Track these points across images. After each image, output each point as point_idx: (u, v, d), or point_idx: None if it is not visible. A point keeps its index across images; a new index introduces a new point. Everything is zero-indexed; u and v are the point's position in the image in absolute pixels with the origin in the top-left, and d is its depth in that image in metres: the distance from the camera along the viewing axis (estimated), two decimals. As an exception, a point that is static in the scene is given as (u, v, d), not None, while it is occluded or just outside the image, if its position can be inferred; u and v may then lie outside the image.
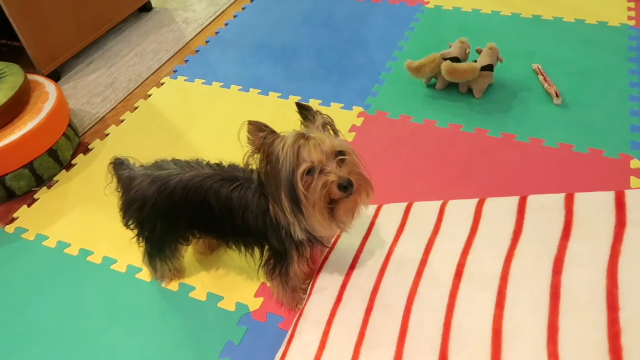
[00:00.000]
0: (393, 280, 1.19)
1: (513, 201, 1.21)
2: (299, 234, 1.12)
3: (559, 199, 1.14)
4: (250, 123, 1.02)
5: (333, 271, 1.31)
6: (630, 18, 2.31)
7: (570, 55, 2.15)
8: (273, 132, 1.05)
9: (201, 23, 2.74)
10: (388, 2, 2.68)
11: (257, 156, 1.08)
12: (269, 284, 1.39)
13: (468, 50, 2.05)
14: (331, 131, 1.15)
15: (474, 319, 1.01)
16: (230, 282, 1.48)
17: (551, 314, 0.94)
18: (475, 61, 1.99)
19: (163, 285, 1.49)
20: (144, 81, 2.37)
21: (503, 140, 1.81)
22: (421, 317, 1.08)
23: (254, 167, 1.11)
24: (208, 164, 1.28)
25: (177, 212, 1.25)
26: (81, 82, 2.40)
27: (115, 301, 1.47)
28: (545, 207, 1.14)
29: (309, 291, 1.32)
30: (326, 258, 1.36)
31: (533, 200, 1.18)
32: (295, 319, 1.27)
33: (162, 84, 2.32)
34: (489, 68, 1.96)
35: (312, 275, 1.37)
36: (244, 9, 2.82)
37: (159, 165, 1.30)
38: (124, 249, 1.54)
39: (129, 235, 1.36)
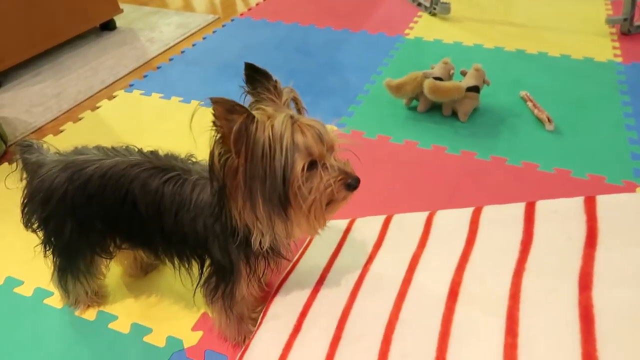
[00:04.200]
0: (367, 304, 0.92)
1: (518, 207, 0.97)
2: (265, 242, 0.85)
3: (576, 202, 0.91)
4: (216, 102, 0.74)
5: (291, 295, 1.03)
6: (616, 55, 2.22)
7: (558, 85, 2.02)
8: (249, 113, 0.76)
9: (166, 43, 2.55)
10: (367, 32, 2.55)
11: (220, 146, 0.79)
12: (210, 313, 1.09)
13: (452, 72, 1.89)
14: (297, 110, 0.91)
15: (477, 350, 0.74)
16: (163, 311, 1.18)
17: (584, 341, 0.68)
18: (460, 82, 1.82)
19: (77, 312, 1.18)
20: (94, 93, 2.12)
21: (493, 163, 1.61)
22: (404, 349, 0.80)
23: (218, 157, 0.81)
24: (140, 151, 1.02)
25: (92, 208, 0.97)
26: (23, 91, 2.15)
27: (15, 332, 1.16)
28: (561, 213, 0.91)
29: (259, 321, 1.03)
30: (284, 280, 1.08)
31: (543, 205, 0.95)
32: (239, 354, 0.97)
33: (115, 97, 2.08)
34: (474, 89, 1.80)
35: (264, 301, 1.09)
36: (214, 32, 2.65)
37: (77, 151, 1.03)
38: (33, 268, 1.23)
39: (34, 243, 1.06)
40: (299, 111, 0.91)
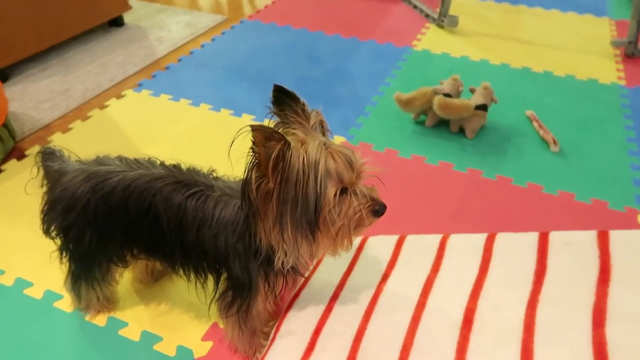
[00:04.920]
0: (381, 326, 0.94)
1: (531, 237, 0.99)
2: (289, 262, 0.88)
3: (589, 236, 0.94)
4: (255, 129, 0.75)
5: (304, 312, 1.04)
6: (620, 78, 2.26)
7: (563, 105, 2.05)
8: (286, 140, 0.78)
9: (175, 42, 2.55)
10: (375, 41, 2.57)
11: (256, 171, 0.81)
12: (222, 324, 1.10)
13: (461, 88, 1.91)
14: (324, 131, 0.93)
15: (492, 380, 0.76)
16: (174, 320, 1.19)
17: (598, 378, 0.70)
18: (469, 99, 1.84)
19: (87, 317, 1.19)
20: (103, 91, 2.12)
21: (499, 183, 1.63)
22: (419, 374, 0.82)
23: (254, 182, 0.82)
24: (162, 164, 1.03)
25: (114, 220, 0.98)
26: (30, 86, 2.14)
27: (23, 334, 1.16)
28: (574, 245, 0.93)
29: (271, 336, 1.05)
30: (296, 295, 1.10)
31: (557, 236, 0.97)
32: (252, 370, 0.99)
33: (123, 96, 2.08)
34: (482, 107, 1.82)
35: (277, 316, 1.10)
36: (223, 33, 2.65)
37: (99, 161, 1.04)
38: (43, 270, 1.24)
39: (50, 249, 1.07)
40: (323, 134, 0.92)
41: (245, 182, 0.81)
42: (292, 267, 0.93)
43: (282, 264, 0.88)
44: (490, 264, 0.98)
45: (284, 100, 0.89)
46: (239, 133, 0.77)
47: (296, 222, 0.81)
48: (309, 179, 0.78)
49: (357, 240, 1.21)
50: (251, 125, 0.74)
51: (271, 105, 0.90)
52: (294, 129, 0.86)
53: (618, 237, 0.90)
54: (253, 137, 0.76)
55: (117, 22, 2.69)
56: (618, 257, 0.87)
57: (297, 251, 0.85)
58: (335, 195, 0.80)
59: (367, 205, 0.84)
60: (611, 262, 0.87)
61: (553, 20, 2.82)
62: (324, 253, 0.90)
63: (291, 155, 0.77)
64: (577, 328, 0.79)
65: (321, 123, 0.91)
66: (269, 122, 0.90)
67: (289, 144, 0.77)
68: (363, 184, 0.86)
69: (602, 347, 0.74)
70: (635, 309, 0.79)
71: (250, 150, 0.78)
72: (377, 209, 0.85)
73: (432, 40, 2.58)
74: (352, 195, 0.83)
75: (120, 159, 1.03)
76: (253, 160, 0.79)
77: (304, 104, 0.89)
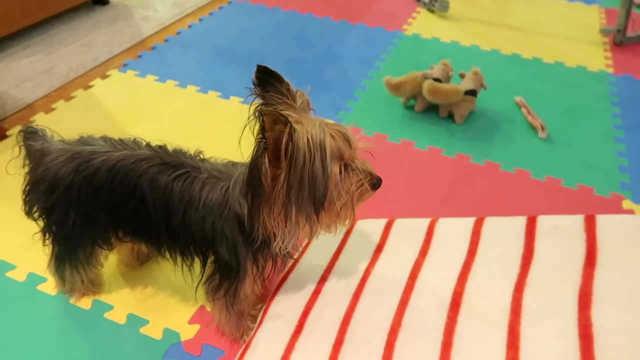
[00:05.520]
0: (370, 308, 0.94)
1: (519, 221, 1.00)
2: (288, 245, 0.88)
3: (577, 220, 0.94)
4: (264, 114, 0.73)
5: (292, 294, 1.04)
6: (608, 66, 2.27)
7: (551, 93, 2.05)
8: (291, 123, 0.76)
9: (161, 22, 2.50)
10: (365, 25, 2.54)
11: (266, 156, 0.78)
12: (209, 307, 1.10)
13: (451, 73, 1.90)
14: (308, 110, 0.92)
15: (479, 362, 0.77)
16: (160, 303, 1.18)
17: (583, 359, 0.71)
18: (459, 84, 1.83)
19: (72, 300, 1.17)
20: (87, 71, 2.07)
21: (487, 169, 1.64)
22: (408, 358, 0.82)
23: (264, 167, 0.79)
24: (148, 145, 1.00)
25: (98, 201, 0.96)
26: (12, 64, 2.08)
27: (6, 317, 1.14)
28: (561, 230, 0.94)
29: (259, 319, 1.05)
30: (284, 278, 1.10)
31: (544, 220, 0.98)
32: (239, 353, 0.99)
33: (108, 76, 2.04)
34: (472, 93, 1.82)
35: (264, 299, 1.10)
36: (210, 14, 2.60)
37: (83, 141, 1.01)
38: (26, 252, 1.22)
39: (32, 231, 1.05)
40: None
41: (255, 168, 0.79)
42: (282, 249, 0.92)
43: (284, 248, 0.88)
44: (478, 247, 0.99)
45: (268, 80, 0.87)
46: (250, 119, 0.75)
47: (301, 205, 0.81)
48: (315, 160, 0.78)
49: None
50: (261, 110, 0.73)
51: (253, 87, 0.88)
52: (282, 110, 0.84)
53: (604, 222, 0.91)
54: (264, 122, 0.74)
55: (101, 1, 2.62)
56: (604, 241, 0.88)
57: (297, 234, 0.86)
58: (340, 171, 0.82)
59: (367, 179, 0.86)
60: (597, 246, 0.88)
61: (543, 8, 2.81)
62: (319, 233, 0.90)
63: (296, 137, 0.77)
64: (563, 311, 0.80)
65: (307, 103, 0.90)
66: (252, 103, 0.88)
67: (292, 126, 0.76)
68: (358, 160, 0.87)
69: (588, 329, 0.75)
70: (620, 292, 0.80)
71: (260, 136, 0.76)
72: (375, 182, 0.88)
73: (422, 25, 2.56)
74: (353, 171, 0.85)
75: (105, 139, 1.01)
76: (262, 146, 0.76)
77: (288, 84, 0.88)
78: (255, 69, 0.87)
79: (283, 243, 0.86)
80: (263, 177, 0.78)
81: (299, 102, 0.88)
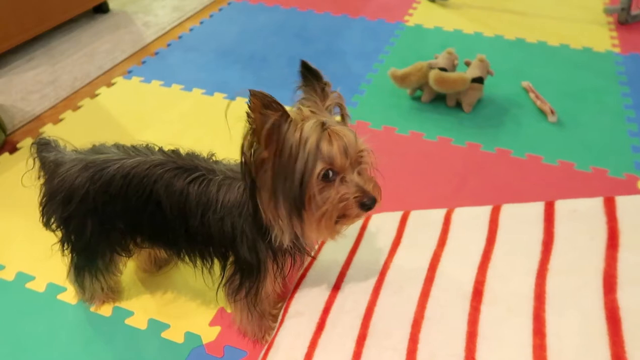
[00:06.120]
0: (391, 302, 0.93)
1: (537, 207, 0.99)
2: (287, 241, 0.86)
3: (596, 203, 0.93)
4: (254, 95, 0.73)
5: (312, 292, 1.04)
6: (614, 45, 2.24)
7: (558, 76, 2.04)
8: (285, 112, 0.77)
9: (163, 27, 2.50)
10: (366, 18, 2.53)
11: (251, 138, 0.79)
12: (229, 309, 1.10)
13: (456, 62, 1.89)
14: (341, 116, 0.91)
15: (507, 351, 0.76)
16: (180, 307, 1.19)
17: (613, 343, 0.71)
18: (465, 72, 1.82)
19: (92, 308, 1.18)
20: (92, 80, 2.08)
21: (498, 156, 1.62)
22: (433, 349, 0.82)
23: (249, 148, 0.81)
24: (160, 150, 1.01)
25: (115, 209, 0.96)
26: (17, 78, 2.09)
27: (28, 328, 1.15)
28: (580, 213, 0.93)
29: (280, 318, 1.05)
30: (303, 276, 1.09)
31: (563, 205, 0.97)
32: (262, 352, 0.99)
33: (113, 84, 2.04)
34: (479, 80, 1.80)
35: (284, 298, 1.10)
36: (211, 16, 2.60)
37: (96, 149, 1.02)
38: (44, 263, 1.23)
39: (51, 243, 1.06)
40: (342, 117, 0.90)
41: (242, 148, 0.79)
42: (299, 246, 0.92)
43: (281, 242, 0.86)
44: (496, 235, 0.98)
45: (308, 77, 0.87)
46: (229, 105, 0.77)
47: (287, 197, 0.79)
48: (299, 156, 0.76)
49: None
50: (251, 90, 0.73)
51: (300, 80, 0.88)
52: (306, 106, 0.84)
53: (624, 203, 0.90)
54: (250, 102, 0.74)
55: (101, 9, 2.63)
56: (626, 222, 0.87)
57: (291, 229, 0.83)
58: (319, 175, 0.78)
59: (355, 195, 0.80)
60: (619, 227, 0.87)
61: (545, -10, 2.79)
62: (318, 238, 0.88)
63: (288, 129, 0.76)
64: (588, 295, 0.79)
65: (340, 106, 0.89)
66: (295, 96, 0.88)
67: (288, 116, 0.76)
68: (362, 173, 0.83)
69: (615, 312, 0.74)
70: (646, 273, 0.79)
71: (247, 116, 0.76)
72: (365, 202, 0.80)
73: (423, 14, 2.55)
74: (341, 182, 0.80)
75: (117, 146, 1.01)
76: (249, 127, 0.77)
77: (325, 83, 0.87)
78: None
79: (282, 235, 0.84)
80: (244, 156, 0.79)
81: (328, 102, 0.87)
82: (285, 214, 0.82)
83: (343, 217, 0.83)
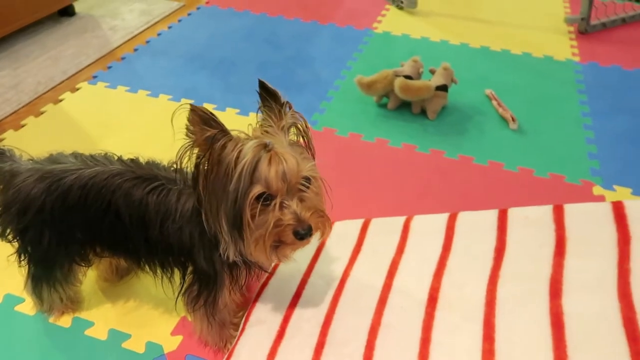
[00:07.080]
0: (349, 310, 0.95)
1: (491, 214, 1.02)
2: (232, 256, 0.86)
3: (545, 210, 0.97)
4: (194, 110, 0.75)
5: (273, 300, 1.05)
6: (574, 54, 2.32)
7: (520, 83, 2.10)
8: (223, 129, 0.78)
9: (130, 31, 2.47)
10: (336, 25, 2.55)
11: (194, 152, 0.82)
12: (190, 318, 1.10)
13: (421, 70, 1.93)
14: (300, 137, 0.90)
15: (458, 356, 0.78)
16: (142, 317, 1.18)
17: (556, 347, 0.74)
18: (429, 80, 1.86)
19: (51, 319, 1.16)
20: (56, 85, 2.04)
21: (461, 162, 1.66)
22: (388, 355, 0.84)
23: (187, 164, 0.84)
24: (120, 159, 1.00)
25: (73, 219, 0.96)
26: (-23, 82, 2.04)
27: (-18, 342, 1.12)
28: (531, 220, 0.96)
29: (241, 326, 1.05)
30: (264, 284, 1.10)
31: (515, 212, 1.00)
32: (223, 361, 0.99)
33: (78, 89, 2.01)
34: (443, 88, 1.84)
35: (245, 306, 1.11)
36: (179, 20, 2.59)
37: (53, 159, 1.00)
38: (1, 274, 1.20)
39: (7, 252, 1.04)
40: (303, 137, 0.90)
41: (180, 162, 0.82)
42: (246, 262, 0.92)
43: (231, 257, 0.86)
44: (453, 242, 1.01)
45: (266, 98, 0.86)
46: (176, 111, 0.81)
47: (225, 214, 0.80)
48: (234, 175, 0.77)
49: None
50: (191, 105, 0.75)
51: (259, 101, 0.88)
52: (264, 126, 0.85)
53: (572, 210, 0.94)
54: (190, 117, 0.77)
55: (67, 12, 2.58)
56: (573, 230, 0.91)
57: (234, 244, 0.83)
58: (251, 198, 0.78)
59: (289, 223, 0.79)
60: (566, 235, 0.90)
61: (510, -1, 2.86)
62: (274, 261, 0.89)
63: (224, 147, 0.78)
64: (535, 300, 0.82)
65: (294, 125, 0.88)
66: (256, 116, 0.89)
67: (226, 134, 0.78)
68: (305, 200, 0.82)
69: (559, 317, 0.77)
70: (589, 277, 0.82)
71: (186, 129, 0.79)
72: (299, 231, 0.79)
73: (392, 22, 2.58)
74: (278, 207, 0.79)
75: (75, 156, 1.00)
76: (188, 141, 0.80)
77: (282, 104, 0.86)
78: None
79: (227, 250, 0.84)
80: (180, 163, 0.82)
81: (282, 122, 0.86)
82: (227, 229, 0.82)
83: (281, 245, 0.83)
